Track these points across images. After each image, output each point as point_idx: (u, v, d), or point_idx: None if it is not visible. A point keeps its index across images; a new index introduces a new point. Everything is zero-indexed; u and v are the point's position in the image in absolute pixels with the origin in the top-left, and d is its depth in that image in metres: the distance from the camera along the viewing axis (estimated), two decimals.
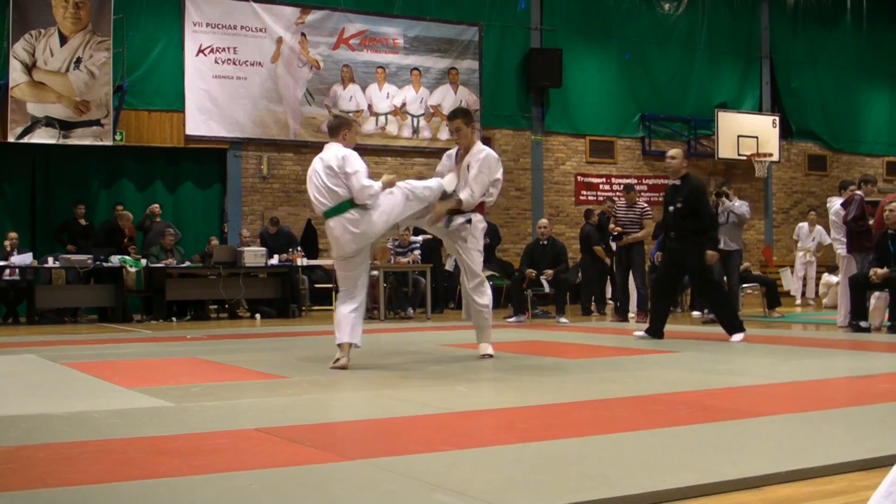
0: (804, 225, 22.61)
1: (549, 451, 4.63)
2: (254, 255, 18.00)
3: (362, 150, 22.05)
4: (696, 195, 11.75)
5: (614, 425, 5.41)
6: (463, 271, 9.53)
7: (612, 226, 16.33)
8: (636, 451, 4.66)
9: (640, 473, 4.10)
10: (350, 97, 22.29)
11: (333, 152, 8.94)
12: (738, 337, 11.50)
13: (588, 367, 8.89)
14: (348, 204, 8.68)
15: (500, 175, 9.50)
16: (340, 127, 9.30)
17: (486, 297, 9.38)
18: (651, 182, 25.87)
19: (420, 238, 18.62)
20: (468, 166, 9.35)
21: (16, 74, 18.82)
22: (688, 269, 12.16)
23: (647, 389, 6.93)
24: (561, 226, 24.28)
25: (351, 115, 21.95)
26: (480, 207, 9.48)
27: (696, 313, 17.12)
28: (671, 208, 11.82)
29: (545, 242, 16.81)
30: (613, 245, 16.68)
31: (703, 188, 12.23)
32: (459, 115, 9.65)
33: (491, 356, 9.36)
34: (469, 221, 9.35)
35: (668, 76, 26.33)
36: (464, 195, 9.24)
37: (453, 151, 9.84)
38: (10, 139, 18.76)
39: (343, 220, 8.67)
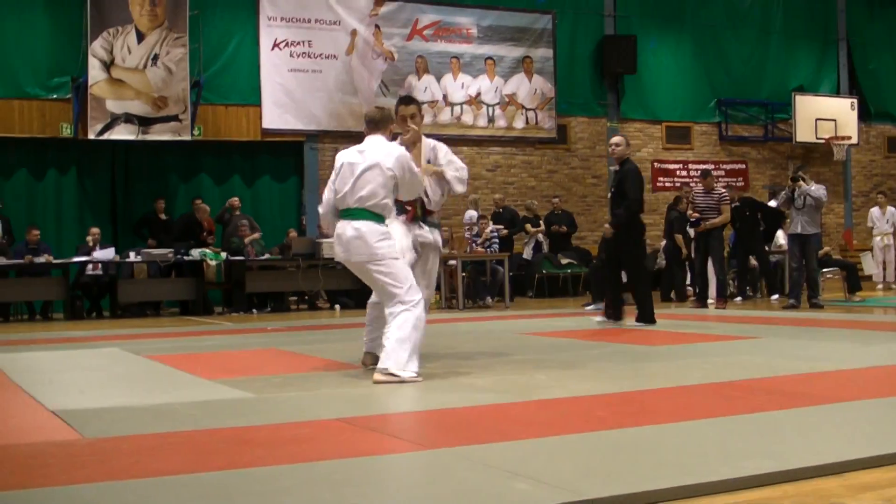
0: (875, 210, 22.34)
1: (626, 439, 4.65)
2: (332, 246, 18.07)
3: (439, 140, 22.10)
4: (626, 177, 12.18)
5: (693, 412, 5.40)
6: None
7: (689, 212, 16.25)
8: (715, 438, 4.65)
9: (718, 460, 4.10)
10: (425, 88, 22.33)
11: (389, 150, 7.57)
12: (638, 324, 12.06)
13: (667, 353, 8.86)
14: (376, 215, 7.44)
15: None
16: (388, 120, 7.81)
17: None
18: (728, 167, 25.65)
19: (498, 227, 18.70)
20: (429, 161, 8.37)
21: (94, 72, 19.05)
22: (619, 249, 12.40)
23: (727, 376, 6.90)
24: None
25: (425, 105, 22.03)
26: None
27: (774, 298, 17.00)
28: (611, 193, 12.53)
29: None
30: (691, 231, 16.57)
31: (635, 171, 12.41)
32: (414, 101, 8.72)
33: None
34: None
35: (743, 60, 26.07)
36: (449, 173, 8.39)
37: None
38: (91, 136, 19.00)
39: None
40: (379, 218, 7.36)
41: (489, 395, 6.22)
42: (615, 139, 12.61)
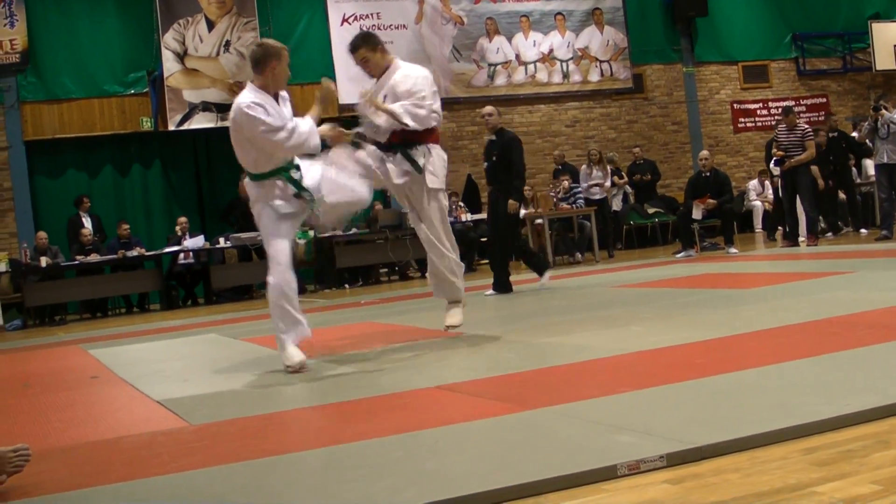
0: None
1: (727, 384, 4.63)
2: None
3: (515, 101, 22.09)
4: (510, 147, 12.02)
5: (792, 352, 5.35)
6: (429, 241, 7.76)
7: (774, 150, 16.07)
8: (816, 377, 4.62)
9: (820, 399, 4.07)
10: (497, 49, 22.27)
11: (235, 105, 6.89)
12: (546, 276, 12.13)
13: (761, 295, 8.79)
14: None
15: (429, 93, 7.59)
16: (262, 62, 6.85)
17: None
18: (809, 102, 25.30)
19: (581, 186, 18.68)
20: (391, 91, 7.66)
21: (169, 64, 19.27)
22: (499, 218, 12.16)
23: (824, 313, 6.83)
24: (722, 155, 23.95)
25: (499, 66, 21.96)
26: (433, 134, 7.73)
27: (864, 231, 16.82)
28: (487, 163, 12.25)
29: (707, 174, 16.59)
30: (776, 170, 16.39)
31: (516, 140, 12.31)
32: (359, 44, 7.84)
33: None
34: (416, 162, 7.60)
35: None
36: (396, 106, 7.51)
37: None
38: (171, 127, 19.23)
39: None
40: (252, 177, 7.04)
41: (586, 351, 6.21)
42: (487, 109, 12.43)
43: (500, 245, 12.33)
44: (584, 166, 19.43)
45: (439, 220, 7.66)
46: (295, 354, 6.68)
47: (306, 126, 6.86)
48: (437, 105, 7.62)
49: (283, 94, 6.99)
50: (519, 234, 12.73)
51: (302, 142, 6.77)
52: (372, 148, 7.52)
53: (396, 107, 7.42)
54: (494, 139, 12.26)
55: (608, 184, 19.35)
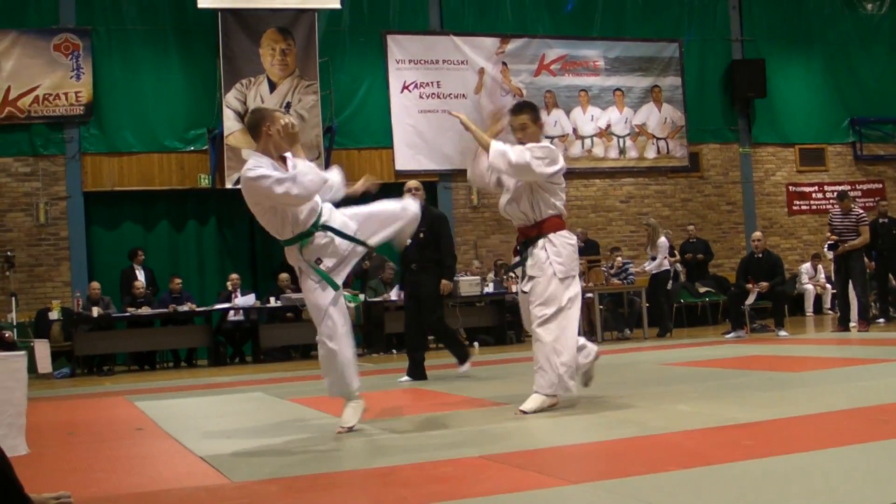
0: None
1: (774, 468, 4.60)
2: (469, 283, 18.17)
3: (571, 174, 22.14)
4: (438, 223, 11.53)
5: (840, 439, 5.32)
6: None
7: (828, 234, 16.01)
8: (864, 465, 4.58)
9: (868, 487, 4.04)
10: (555, 122, 22.36)
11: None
12: (465, 367, 11.33)
13: (810, 379, 8.74)
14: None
15: (558, 168, 7.43)
16: (254, 127, 6.85)
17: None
18: (865, 187, 25.18)
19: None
20: None
21: (229, 123, 19.46)
22: (421, 299, 11.47)
23: (873, 400, 6.78)
24: (775, 237, 23.85)
25: (556, 140, 22.01)
26: (558, 220, 7.54)
27: None
28: (411, 240, 10.57)
29: (760, 255, 16.52)
30: (830, 254, 16.31)
31: (444, 218, 11.99)
32: (527, 108, 7.75)
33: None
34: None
35: (875, 78, 25.55)
36: (495, 142, 7.48)
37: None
38: (228, 185, 19.35)
39: None
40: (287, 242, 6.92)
41: (633, 428, 6.19)
42: (414, 183, 11.39)
43: (420, 327, 11.73)
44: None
45: None
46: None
47: (306, 166, 6.67)
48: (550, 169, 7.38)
49: (291, 156, 6.82)
50: (442, 316, 11.92)
51: (307, 181, 6.53)
52: None
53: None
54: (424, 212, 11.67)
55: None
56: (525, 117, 7.58)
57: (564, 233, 7.46)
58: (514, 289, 18.92)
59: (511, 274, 19.51)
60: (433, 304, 11.48)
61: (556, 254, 7.30)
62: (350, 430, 6.73)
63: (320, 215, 6.81)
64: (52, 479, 5.57)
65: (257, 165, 6.58)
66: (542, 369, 7.16)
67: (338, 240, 6.83)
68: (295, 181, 6.47)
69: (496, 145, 7.36)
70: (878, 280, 17.63)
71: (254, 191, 6.62)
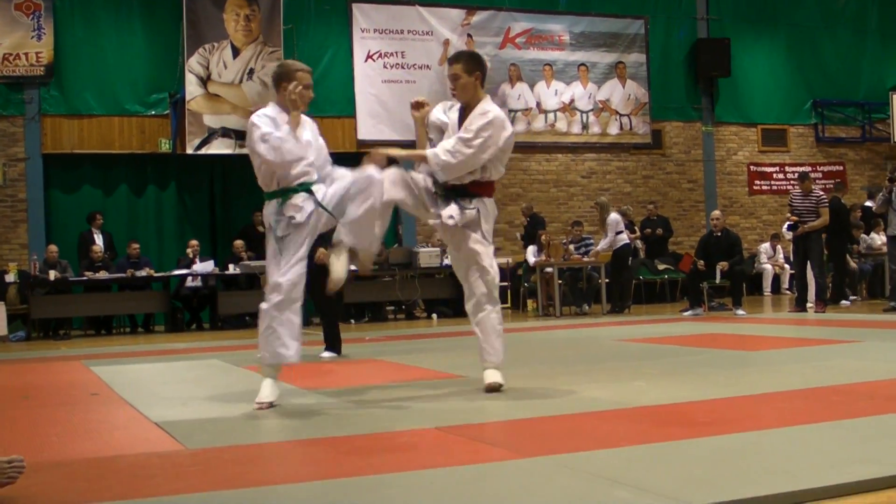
0: None
1: (728, 445, 4.62)
2: (429, 255, 18.18)
3: (533, 149, 22.17)
4: None
5: (795, 418, 5.35)
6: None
7: (788, 214, 16.08)
8: (818, 444, 4.61)
9: (822, 466, 4.06)
10: (518, 95, 22.34)
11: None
12: (326, 354, 10.63)
13: (766, 359, 8.80)
14: None
15: (503, 143, 6.90)
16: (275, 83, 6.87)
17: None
18: (826, 169, 25.31)
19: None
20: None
21: (192, 88, 19.35)
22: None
23: (828, 380, 6.82)
24: (735, 217, 23.96)
25: (519, 112, 22.01)
26: (489, 186, 7.11)
27: (844, 303, 16.91)
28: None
29: (719, 234, 16.59)
30: (789, 234, 16.39)
31: None
32: (462, 58, 7.14)
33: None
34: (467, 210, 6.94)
35: (839, 60, 25.67)
36: (429, 152, 6.92)
37: (448, 107, 7.24)
38: (189, 151, 19.27)
39: None
40: None
41: (588, 403, 6.20)
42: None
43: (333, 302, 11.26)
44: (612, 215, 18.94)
45: None
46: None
47: (292, 140, 6.58)
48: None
49: (307, 119, 6.85)
50: (332, 300, 11.02)
51: (285, 150, 6.51)
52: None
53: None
54: None
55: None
56: (458, 67, 7.00)
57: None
58: None
59: None
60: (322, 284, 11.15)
61: None
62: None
63: (311, 184, 6.72)
64: (5, 442, 5.53)
65: (262, 114, 6.68)
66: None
67: (317, 209, 6.71)
68: (275, 145, 6.48)
69: (428, 154, 6.90)
70: (835, 261, 17.70)
71: (247, 135, 6.69)
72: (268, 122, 6.57)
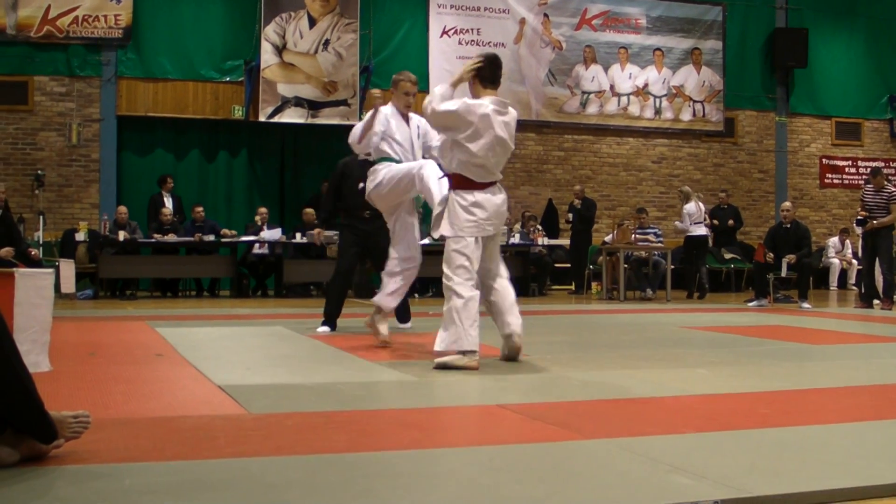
0: None
1: (790, 438, 4.60)
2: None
3: (605, 131, 22.01)
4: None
5: (858, 413, 5.32)
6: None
7: (859, 209, 15.91)
8: (880, 441, 4.58)
9: (883, 463, 4.04)
10: (592, 78, 22.25)
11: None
12: (323, 329, 10.24)
13: (831, 353, 8.72)
14: None
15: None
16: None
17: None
18: None
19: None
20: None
21: (267, 56, 19.45)
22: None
23: (893, 378, 6.77)
24: (805, 209, 23.75)
25: (592, 95, 21.96)
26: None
27: None
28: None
29: (788, 226, 16.45)
30: (858, 229, 16.22)
31: (337, 167, 10.86)
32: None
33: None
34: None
35: None
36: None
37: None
38: (262, 118, 19.39)
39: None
40: None
41: (650, 387, 6.20)
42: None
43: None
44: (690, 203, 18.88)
45: None
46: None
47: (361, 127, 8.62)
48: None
49: (416, 118, 8.38)
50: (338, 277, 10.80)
51: (354, 130, 8.68)
52: None
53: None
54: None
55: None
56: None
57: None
58: (540, 241, 18.98)
59: (538, 226, 19.56)
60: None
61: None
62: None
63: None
64: (72, 397, 5.61)
65: (384, 110, 8.71)
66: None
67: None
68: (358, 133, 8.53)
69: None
70: None
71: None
72: (382, 115, 8.68)
